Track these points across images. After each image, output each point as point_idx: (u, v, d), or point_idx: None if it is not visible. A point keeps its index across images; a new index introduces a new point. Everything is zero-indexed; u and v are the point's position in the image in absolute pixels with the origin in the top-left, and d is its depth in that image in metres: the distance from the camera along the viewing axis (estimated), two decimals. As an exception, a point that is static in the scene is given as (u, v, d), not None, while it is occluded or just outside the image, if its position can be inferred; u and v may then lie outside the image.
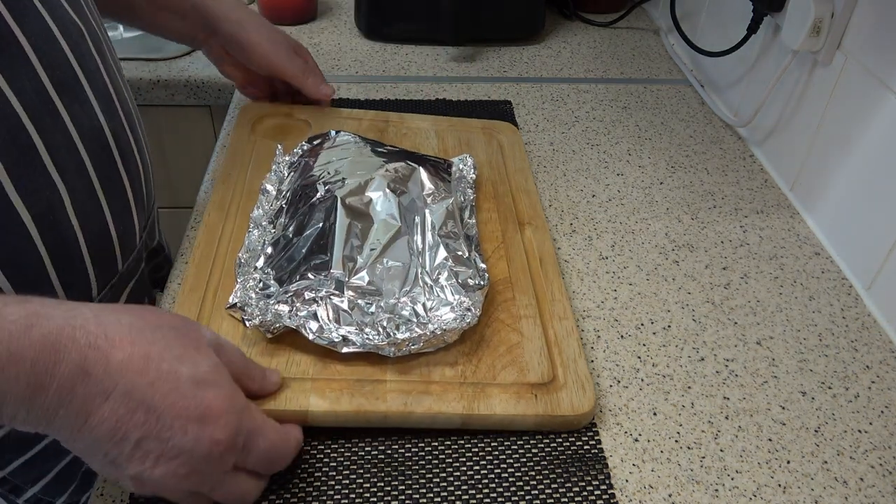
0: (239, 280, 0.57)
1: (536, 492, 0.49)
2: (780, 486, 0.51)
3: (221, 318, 0.56)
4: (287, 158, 0.72)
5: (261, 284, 0.57)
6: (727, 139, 0.90)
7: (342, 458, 0.50)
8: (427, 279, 0.58)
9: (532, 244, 0.66)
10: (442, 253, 0.59)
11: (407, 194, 0.63)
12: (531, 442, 0.52)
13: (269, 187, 0.68)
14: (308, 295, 0.54)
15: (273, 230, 0.62)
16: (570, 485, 0.49)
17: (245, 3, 0.79)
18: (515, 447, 0.51)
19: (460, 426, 0.52)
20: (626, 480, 0.51)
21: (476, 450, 0.51)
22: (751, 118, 0.86)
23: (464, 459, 0.51)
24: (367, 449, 0.51)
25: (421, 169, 0.67)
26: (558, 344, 0.57)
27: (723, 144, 0.89)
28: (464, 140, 0.81)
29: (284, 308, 0.54)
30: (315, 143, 0.72)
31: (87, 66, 0.54)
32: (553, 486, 0.49)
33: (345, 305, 0.54)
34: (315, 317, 0.54)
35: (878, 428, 0.56)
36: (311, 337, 0.53)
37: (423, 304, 0.56)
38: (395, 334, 0.53)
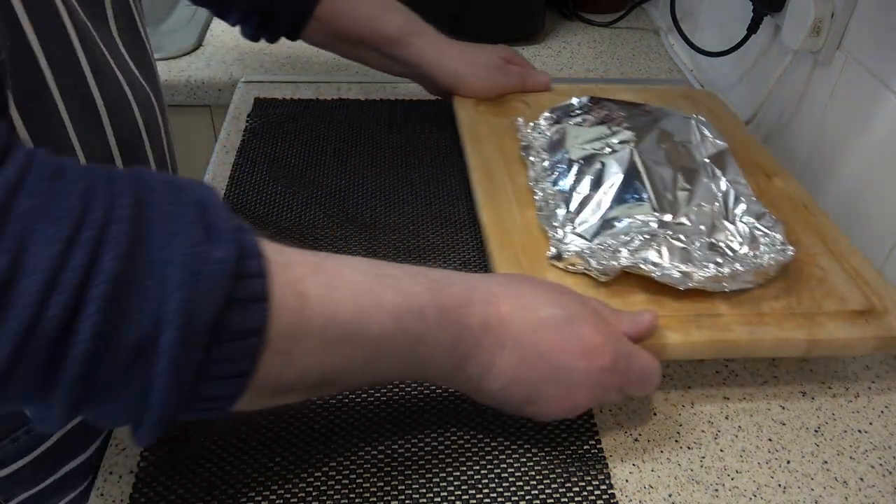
0: (554, 233, 0.60)
1: (536, 492, 0.49)
2: (780, 486, 0.51)
3: (543, 271, 0.58)
4: (531, 131, 0.73)
5: (578, 232, 0.60)
6: (727, 139, 0.90)
7: (342, 458, 0.50)
8: (733, 220, 0.61)
9: (789, 192, 0.68)
10: (735, 195, 0.62)
11: (690, 144, 0.66)
12: (531, 442, 0.52)
13: (530, 154, 0.70)
14: (644, 235, 0.57)
15: (563, 189, 0.64)
16: (570, 485, 0.49)
17: (447, 40, 0.80)
18: (515, 447, 0.51)
19: (804, 354, 0.54)
20: (626, 480, 0.51)
21: (476, 450, 0.51)
22: (751, 118, 0.86)
23: (464, 459, 0.51)
24: (366, 448, 0.51)
25: (690, 121, 0.69)
26: (861, 275, 0.59)
27: (723, 144, 0.89)
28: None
29: (618, 249, 0.57)
30: (564, 109, 0.75)
31: (151, 127, 0.58)
32: (553, 486, 0.49)
33: (678, 244, 0.57)
34: (651, 256, 0.56)
35: (878, 428, 0.56)
36: (655, 275, 0.55)
37: (737, 243, 0.59)
38: (729, 269, 0.55)
